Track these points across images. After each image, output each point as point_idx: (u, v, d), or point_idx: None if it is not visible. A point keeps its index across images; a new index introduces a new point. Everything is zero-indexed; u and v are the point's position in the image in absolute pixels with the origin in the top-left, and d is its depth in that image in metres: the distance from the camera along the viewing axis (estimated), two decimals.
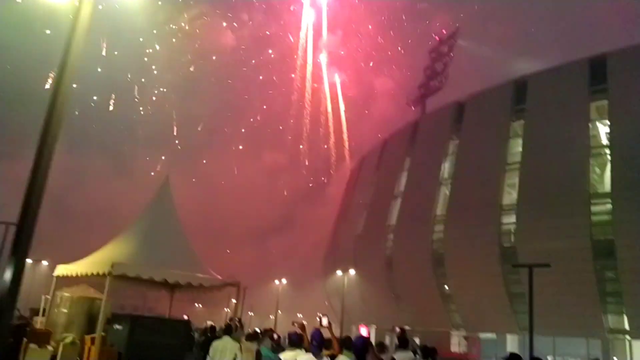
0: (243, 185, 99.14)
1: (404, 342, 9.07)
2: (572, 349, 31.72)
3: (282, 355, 6.81)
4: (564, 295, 29.04)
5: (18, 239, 5.10)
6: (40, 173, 5.40)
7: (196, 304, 70.82)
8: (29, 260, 45.37)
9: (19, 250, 5.11)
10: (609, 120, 32.79)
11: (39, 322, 15.93)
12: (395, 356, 8.74)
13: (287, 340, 7.35)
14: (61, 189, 77.07)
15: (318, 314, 7.41)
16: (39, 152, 5.46)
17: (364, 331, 42.30)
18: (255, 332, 11.99)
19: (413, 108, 54.73)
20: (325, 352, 6.58)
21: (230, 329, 10.70)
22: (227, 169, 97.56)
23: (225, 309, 62.02)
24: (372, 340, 44.89)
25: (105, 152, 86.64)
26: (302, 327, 7.34)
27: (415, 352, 9.24)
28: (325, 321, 7.18)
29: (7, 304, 4.92)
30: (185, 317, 34.63)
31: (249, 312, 69.79)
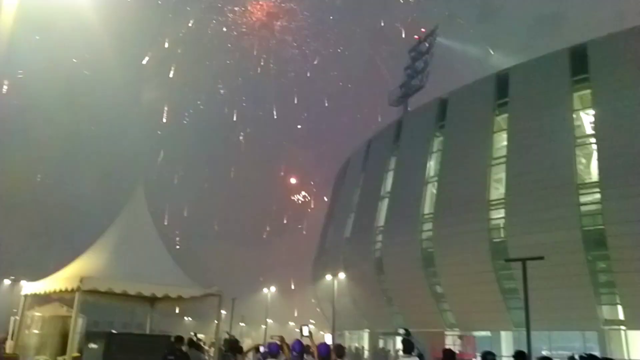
0: (231, 189, 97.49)
1: (408, 346, 8.38)
2: (567, 343, 31.27)
3: None
4: (556, 288, 28.56)
5: None
6: None
7: (185, 318, 69.59)
8: (6, 281, 44.01)
9: None
10: (593, 110, 32.59)
11: (7, 345, 14.97)
12: None
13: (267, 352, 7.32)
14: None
15: (300, 325, 7.39)
16: None
17: (328, 338, 42.55)
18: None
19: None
20: None
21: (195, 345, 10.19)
22: (216, 173, 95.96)
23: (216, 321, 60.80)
24: (366, 345, 44.31)
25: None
26: (282, 339, 7.25)
27: (421, 357, 8.57)
28: (305, 331, 7.09)
29: None
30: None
31: (240, 323, 68.68)
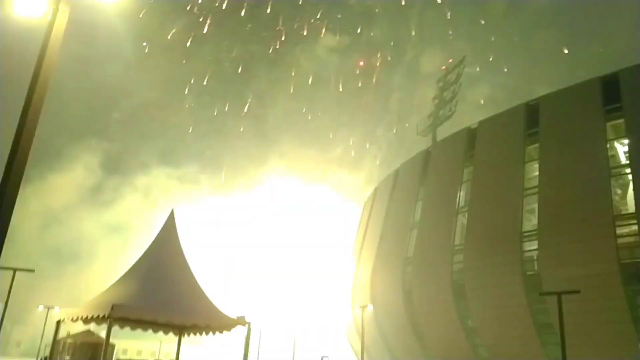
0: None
1: None
2: None
3: None
4: (594, 324, 27.53)
5: None
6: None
7: (213, 347, 69.34)
8: (40, 307, 44.95)
9: None
10: (627, 139, 31.91)
11: None
12: None
13: None
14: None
15: (322, 357, 7.21)
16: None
17: None
18: None
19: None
20: None
21: None
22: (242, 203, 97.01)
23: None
24: None
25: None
26: None
27: None
28: None
29: None
30: None
31: (267, 353, 67.96)
